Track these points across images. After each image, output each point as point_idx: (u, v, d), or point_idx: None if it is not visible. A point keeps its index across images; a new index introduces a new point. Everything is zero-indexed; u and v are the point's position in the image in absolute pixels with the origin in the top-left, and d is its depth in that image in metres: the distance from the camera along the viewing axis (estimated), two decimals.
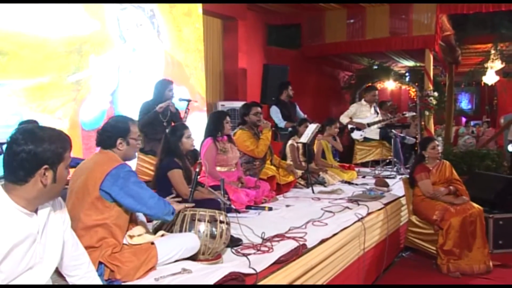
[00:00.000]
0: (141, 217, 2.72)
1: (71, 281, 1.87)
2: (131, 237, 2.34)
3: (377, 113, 7.20)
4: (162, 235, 2.48)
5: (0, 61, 4.27)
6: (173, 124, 4.73)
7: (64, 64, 4.86)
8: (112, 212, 2.26)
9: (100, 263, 2.16)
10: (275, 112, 6.38)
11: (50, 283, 1.75)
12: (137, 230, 2.39)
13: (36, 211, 1.64)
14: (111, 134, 2.40)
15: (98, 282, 1.95)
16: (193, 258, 2.47)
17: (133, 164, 4.76)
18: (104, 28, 5.36)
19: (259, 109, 4.77)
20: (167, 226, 2.61)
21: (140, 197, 2.27)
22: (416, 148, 7.08)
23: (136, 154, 2.69)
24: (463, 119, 15.90)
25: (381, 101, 8.83)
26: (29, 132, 1.62)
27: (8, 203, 1.56)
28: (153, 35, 6.12)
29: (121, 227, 2.30)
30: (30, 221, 1.60)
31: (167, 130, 3.65)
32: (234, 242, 2.77)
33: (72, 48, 4.94)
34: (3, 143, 2.89)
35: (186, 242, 2.41)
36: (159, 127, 4.71)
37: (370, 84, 8.59)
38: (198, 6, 6.88)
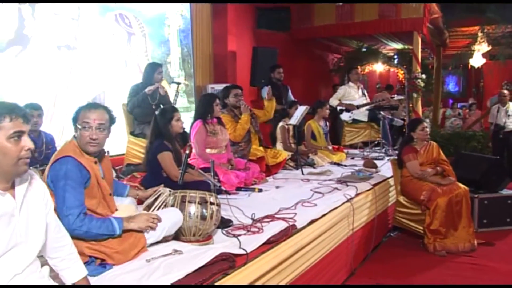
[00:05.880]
0: (127, 201, 2.71)
1: (53, 263, 1.85)
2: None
3: (364, 95, 7.26)
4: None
5: None
6: (162, 107, 4.70)
7: None
8: None
9: (89, 256, 2.12)
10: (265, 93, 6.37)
11: (38, 262, 1.75)
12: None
13: (12, 191, 1.63)
14: None
15: (80, 263, 1.92)
16: (184, 239, 2.50)
17: (123, 146, 4.76)
18: None
19: (239, 91, 4.74)
20: (158, 207, 2.60)
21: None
22: (404, 130, 7.15)
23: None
24: (450, 101, 16.03)
25: (388, 85, 10.13)
26: None
27: None
28: None
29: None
30: (1, 200, 1.59)
31: (156, 113, 3.62)
32: (224, 223, 2.80)
33: None
34: None
35: (170, 217, 2.42)
36: (148, 109, 4.67)
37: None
38: None
